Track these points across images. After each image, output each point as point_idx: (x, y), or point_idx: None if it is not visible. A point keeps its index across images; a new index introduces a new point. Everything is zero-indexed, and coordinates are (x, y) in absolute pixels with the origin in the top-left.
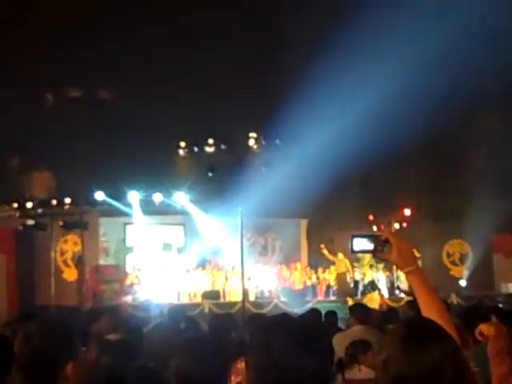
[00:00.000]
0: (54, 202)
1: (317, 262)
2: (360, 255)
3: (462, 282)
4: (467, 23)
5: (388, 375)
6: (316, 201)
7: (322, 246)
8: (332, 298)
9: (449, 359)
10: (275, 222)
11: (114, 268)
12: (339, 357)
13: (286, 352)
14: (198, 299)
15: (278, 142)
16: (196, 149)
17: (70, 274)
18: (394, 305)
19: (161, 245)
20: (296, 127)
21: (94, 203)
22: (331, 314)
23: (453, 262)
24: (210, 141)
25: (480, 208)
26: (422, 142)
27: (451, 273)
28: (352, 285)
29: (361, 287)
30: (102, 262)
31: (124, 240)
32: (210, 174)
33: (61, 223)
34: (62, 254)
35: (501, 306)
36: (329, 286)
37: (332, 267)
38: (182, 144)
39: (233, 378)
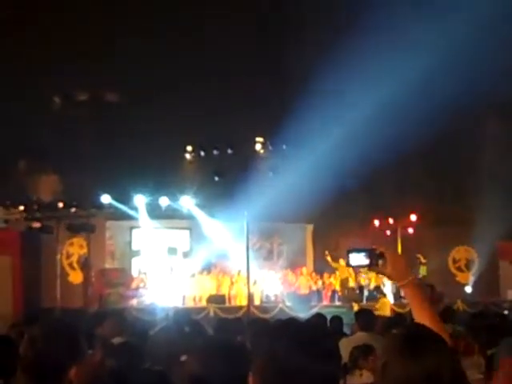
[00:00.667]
0: (61, 204)
1: (322, 267)
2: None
3: (468, 289)
4: (475, 26)
5: (386, 380)
6: (322, 206)
7: (326, 252)
8: (337, 303)
9: (445, 366)
10: (281, 227)
11: (120, 271)
12: (344, 362)
13: (291, 357)
14: (203, 303)
15: (284, 147)
16: (202, 153)
17: (76, 277)
18: (400, 310)
19: (166, 249)
20: (302, 133)
21: (101, 206)
22: (336, 319)
23: (459, 268)
24: (217, 145)
25: (486, 215)
26: (429, 148)
27: (457, 279)
28: (357, 290)
29: (366, 293)
30: (107, 265)
31: (130, 243)
32: (217, 179)
33: (67, 226)
34: (68, 256)
35: (506, 312)
36: (334, 291)
37: (337, 272)
38: (189, 148)
39: None
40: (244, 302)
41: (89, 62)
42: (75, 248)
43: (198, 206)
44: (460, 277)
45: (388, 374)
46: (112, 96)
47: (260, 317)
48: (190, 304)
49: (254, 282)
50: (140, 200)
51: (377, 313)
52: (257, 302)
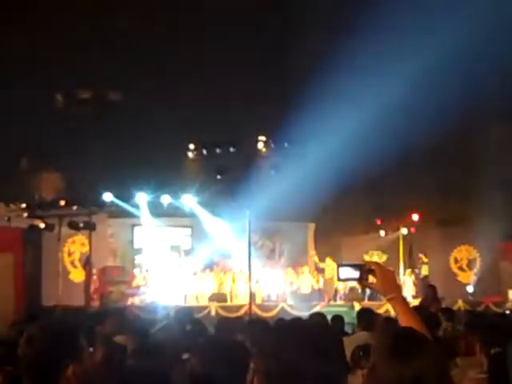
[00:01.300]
0: (62, 202)
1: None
2: (368, 259)
3: (470, 288)
4: (481, 26)
5: (374, 380)
6: (324, 205)
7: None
8: (339, 302)
9: (432, 368)
10: (283, 226)
11: (122, 269)
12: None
13: (296, 356)
14: (205, 302)
15: (286, 145)
16: (205, 151)
17: (77, 275)
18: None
19: (168, 247)
20: (305, 131)
21: (102, 204)
22: (338, 318)
23: (460, 268)
24: (219, 143)
25: (488, 215)
26: (431, 147)
27: (458, 278)
28: (359, 289)
29: (368, 292)
30: (109, 263)
31: (132, 242)
32: (219, 177)
33: (68, 224)
34: (70, 254)
35: (507, 312)
36: (336, 291)
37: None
38: (191, 146)
39: None
40: (245, 301)
41: (91, 60)
42: (77, 246)
43: (200, 204)
44: (461, 276)
45: (375, 375)
46: (114, 94)
47: (259, 317)
48: (191, 302)
49: (256, 281)
50: (142, 198)
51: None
52: (258, 300)
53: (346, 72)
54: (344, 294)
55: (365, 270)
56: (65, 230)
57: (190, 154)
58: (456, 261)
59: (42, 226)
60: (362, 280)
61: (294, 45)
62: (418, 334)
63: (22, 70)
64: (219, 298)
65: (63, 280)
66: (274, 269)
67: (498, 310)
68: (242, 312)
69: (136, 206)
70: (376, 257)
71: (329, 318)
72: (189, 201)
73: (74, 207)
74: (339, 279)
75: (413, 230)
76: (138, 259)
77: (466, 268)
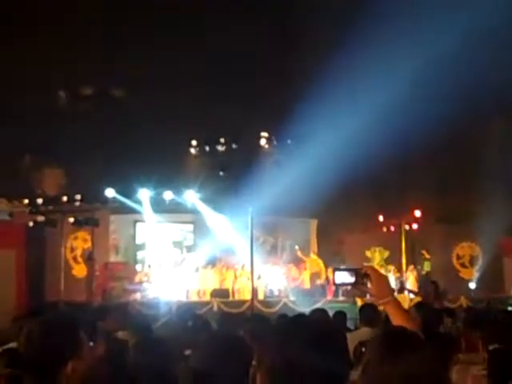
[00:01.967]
0: (65, 198)
1: (326, 261)
2: (370, 255)
3: (472, 285)
4: (483, 24)
5: (367, 378)
6: (326, 201)
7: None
8: (341, 298)
9: (421, 369)
10: (285, 222)
11: (124, 265)
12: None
13: (300, 352)
14: (207, 297)
15: (289, 142)
16: (207, 148)
17: (80, 271)
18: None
19: (170, 243)
20: (307, 128)
21: (105, 200)
22: (340, 314)
23: (462, 265)
24: (222, 140)
25: (491, 211)
26: (433, 143)
27: (461, 275)
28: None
29: (369, 283)
30: (111, 259)
31: (134, 237)
32: (221, 173)
33: (71, 220)
34: (72, 250)
35: (510, 308)
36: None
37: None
38: (194, 143)
39: None
40: (248, 297)
41: (94, 57)
42: (79, 242)
43: (203, 200)
44: (464, 273)
45: (368, 373)
46: (117, 91)
47: (262, 313)
48: (193, 298)
49: (258, 277)
50: (144, 194)
51: None
52: (260, 296)
53: (348, 70)
54: (346, 290)
55: (360, 274)
56: (67, 225)
57: (193, 151)
58: (458, 257)
59: (45, 221)
60: (357, 284)
61: (297, 42)
62: (409, 333)
63: (25, 66)
64: (221, 293)
65: (66, 276)
66: (276, 265)
67: (501, 307)
68: (244, 308)
69: (138, 202)
70: (378, 253)
71: (331, 313)
72: (191, 197)
73: (77, 203)
74: (335, 283)
75: (415, 226)
76: (140, 255)
77: (468, 264)
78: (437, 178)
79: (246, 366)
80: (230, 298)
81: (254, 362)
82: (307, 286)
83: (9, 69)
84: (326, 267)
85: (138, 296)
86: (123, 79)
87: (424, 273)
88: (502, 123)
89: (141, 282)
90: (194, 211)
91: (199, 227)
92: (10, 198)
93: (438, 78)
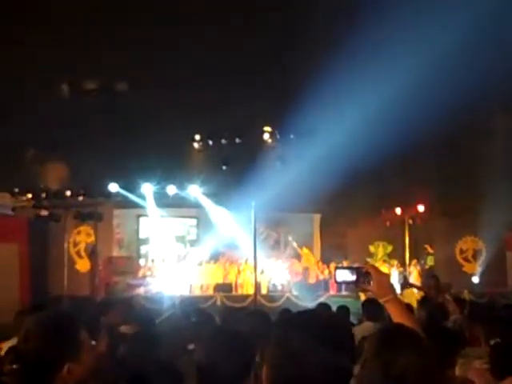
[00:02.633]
0: (68, 193)
1: (329, 256)
2: (373, 250)
3: (475, 279)
4: (484, 19)
5: (364, 374)
6: (329, 196)
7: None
8: (344, 292)
9: (417, 366)
10: (288, 217)
11: (127, 260)
12: None
13: (304, 346)
14: (210, 292)
15: (292, 136)
16: (211, 142)
17: (83, 265)
18: (407, 301)
19: (174, 237)
20: (310, 122)
21: (108, 195)
22: (343, 308)
23: (466, 259)
24: (225, 134)
25: (494, 205)
26: (437, 137)
27: (464, 269)
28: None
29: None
30: (115, 253)
31: (137, 232)
32: (224, 168)
33: (74, 214)
34: (75, 245)
35: None
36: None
37: (345, 262)
38: (197, 137)
39: None
40: (251, 291)
41: (97, 51)
42: (82, 236)
43: (206, 194)
44: (467, 267)
45: (366, 369)
46: (120, 85)
47: (265, 307)
48: (196, 293)
49: (262, 271)
50: (148, 188)
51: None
52: (264, 290)
53: (352, 63)
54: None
55: (361, 273)
56: (71, 220)
57: (196, 145)
58: (461, 251)
59: (48, 216)
60: (358, 283)
61: (300, 35)
62: (407, 330)
63: (28, 59)
64: (224, 288)
65: (69, 270)
66: (279, 259)
67: (504, 301)
68: (247, 302)
69: (142, 197)
70: (381, 247)
71: (334, 308)
72: (194, 191)
73: (80, 197)
74: (336, 281)
75: (418, 220)
76: (143, 250)
77: (472, 259)
78: (440, 173)
79: (249, 360)
80: (233, 293)
81: (257, 358)
82: (311, 280)
83: (11, 62)
84: (329, 262)
85: (141, 290)
86: (126, 73)
87: (427, 267)
88: (506, 118)
89: (144, 277)
90: (197, 206)
91: (202, 222)
92: (13, 193)
93: (441, 73)
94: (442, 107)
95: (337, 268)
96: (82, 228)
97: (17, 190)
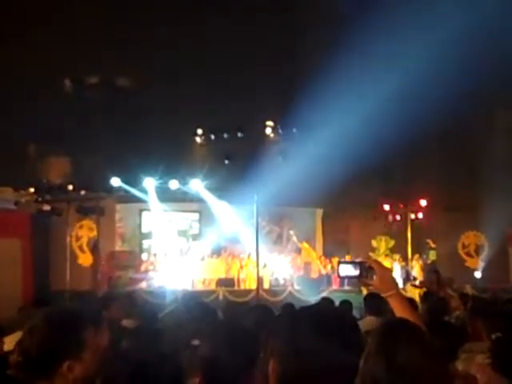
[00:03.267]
0: (70, 187)
1: (332, 251)
2: (375, 244)
3: (477, 274)
4: (486, 13)
5: (367, 368)
6: (332, 190)
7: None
8: (347, 287)
9: (419, 360)
10: (290, 211)
11: (129, 254)
12: None
13: (311, 340)
14: (213, 286)
15: (294, 131)
16: (213, 136)
17: (85, 260)
18: (409, 295)
19: (176, 232)
20: (313, 117)
21: (110, 189)
22: (345, 303)
23: (468, 254)
24: (227, 129)
25: (497, 200)
26: (440, 132)
27: (466, 264)
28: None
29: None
30: (117, 247)
31: (140, 226)
32: (227, 162)
33: (77, 209)
34: (78, 239)
35: None
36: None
37: (347, 256)
38: (199, 131)
39: None
40: (253, 286)
41: (100, 46)
42: (85, 230)
43: (208, 189)
44: (469, 262)
45: (367, 364)
46: (123, 79)
47: (268, 302)
48: (199, 287)
49: (264, 266)
50: (150, 183)
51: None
52: (266, 285)
53: (354, 58)
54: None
55: (364, 267)
56: (73, 214)
57: (198, 139)
58: (464, 246)
59: (51, 210)
60: (361, 277)
61: (304, 31)
62: (410, 324)
63: (31, 54)
64: (227, 282)
65: (71, 265)
66: (282, 254)
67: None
68: (249, 297)
69: (144, 191)
70: (383, 242)
71: (337, 303)
72: (197, 186)
73: (82, 192)
74: (339, 276)
75: (421, 215)
76: (145, 244)
77: (474, 254)
78: (442, 167)
79: (252, 355)
80: (236, 287)
81: (261, 354)
82: (313, 275)
83: (14, 57)
84: (331, 257)
85: (143, 285)
86: (128, 68)
87: (429, 262)
88: (509, 113)
89: (146, 271)
90: (199, 200)
91: (205, 216)
92: (16, 187)
93: (443, 68)
94: (444, 102)
95: (340, 263)
96: (84, 222)
97: (19, 184)
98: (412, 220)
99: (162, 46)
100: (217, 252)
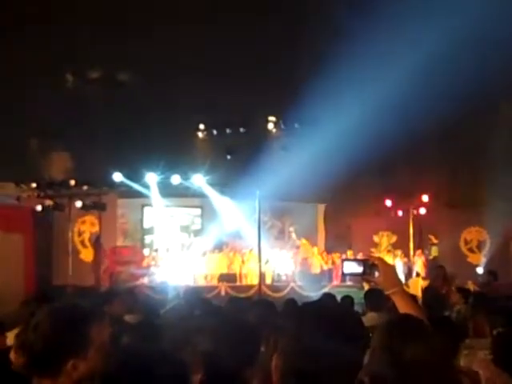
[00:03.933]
0: (73, 182)
1: (334, 246)
2: (377, 240)
3: (479, 270)
4: (490, 8)
5: (372, 363)
6: (334, 186)
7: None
8: (348, 282)
9: (425, 356)
10: (292, 206)
11: (131, 249)
12: None
13: (316, 339)
14: (215, 282)
15: (296, 126)
16: (215, 131)
17: (87, 255)
18: (412, 291)
19: (178, 227)
20: (315, 112)
21: (112, 184)
22: (347, 298)
23: (470, 250)
24: (229, 124)
25: (499, 196)
26: (442, 128)
27: (468, 260)
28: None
29: (377, 273)
30: (119, 243)
31: (141, 221)
32: (229, 157)
33: (79, 204)
34: (80, 234)
35: None
36: None
37: (349, 252)
38: (201, 126)
39: None
40: (255, 281)
41: (102, 41)
42: (87, 226)
43: (210, 184)
44: (471, 258)
45: (376, 359)
46: (124, 74)
47: (271, 297)
48: (200, 282)
49: (266, 261)
50: (152, 178)
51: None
52: (268, 281)
53: (358, 53)
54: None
55: (368, 264)
56: (75, 209)
57: (200, 134)
58: (466, 242)
59: (53, 206)
60: (365, 275)
61: (307, 25)
62: (416, 320)
63: (32, 49)
64: (229, 278)
65: (73, 260)
66: (284, 249)
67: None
68: (251, 292)
69: (146, 186)
70: (385, 238)
71: (338, 298)
72: (199, 181)
73: (85, 187)
74: (343, 273)
75: (423, 211)
76: (147, 239)
77: (476, 249)
78: (445, 163)
79: (253, 350)
80: (238, 283)
81: (262, 349)
82: (315, 270)
83: (14, 52)
84: (332, 252)
85: (145, 280)
86: (130, 63)
87: (431, 258)
88: (510, 107)
89: (148, 266)
90: (201, 195)
91: (207, 211)
92: (18, 182)
93: (448, 63)
94: (445, 97)
95: (344, 260)
96: (86, 218)
97: (21, 179)
98: (414, 216)
99: (163, 41)
100: (219, 247)
